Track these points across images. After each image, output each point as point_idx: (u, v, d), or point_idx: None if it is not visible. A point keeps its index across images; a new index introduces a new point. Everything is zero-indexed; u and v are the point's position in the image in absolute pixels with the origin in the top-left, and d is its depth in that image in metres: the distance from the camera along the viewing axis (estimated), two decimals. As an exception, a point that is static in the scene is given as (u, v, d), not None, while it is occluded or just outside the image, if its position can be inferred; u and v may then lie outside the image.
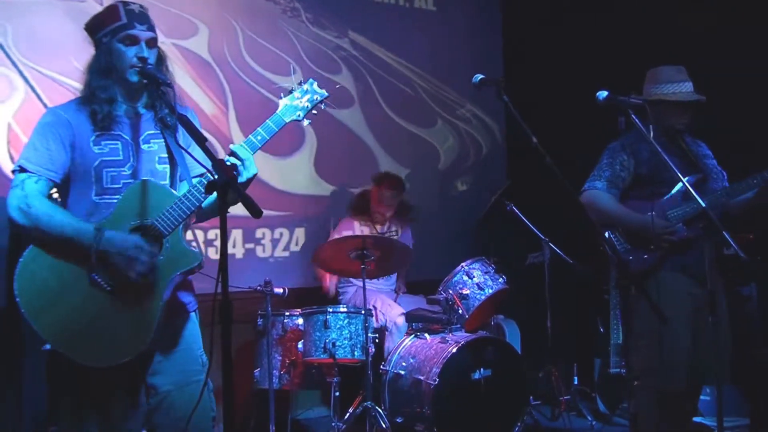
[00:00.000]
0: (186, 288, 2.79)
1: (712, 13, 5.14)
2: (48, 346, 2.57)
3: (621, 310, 3.83)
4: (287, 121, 2.77)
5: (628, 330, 3.83)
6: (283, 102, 2.78)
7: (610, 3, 5.78)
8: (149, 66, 2.66)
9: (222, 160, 2.26)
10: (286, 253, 5.53)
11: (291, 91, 2.80)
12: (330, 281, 5.24)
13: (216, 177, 2.23)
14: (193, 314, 2.82)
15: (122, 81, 2.68)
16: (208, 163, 2.32)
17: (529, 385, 4.69)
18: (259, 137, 2.68)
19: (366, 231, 5.20)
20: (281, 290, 4.52)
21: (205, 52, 5.25)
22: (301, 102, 2.79)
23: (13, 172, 2.68)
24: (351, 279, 5.24)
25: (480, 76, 3.09)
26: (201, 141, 2.34)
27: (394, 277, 5.41)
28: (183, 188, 2.77)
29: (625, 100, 3.43)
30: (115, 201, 2.63)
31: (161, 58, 2.80)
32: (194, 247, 2.77)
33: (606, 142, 3.97)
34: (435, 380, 4.25)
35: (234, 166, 2.48)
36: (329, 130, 5.73)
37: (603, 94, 3.40)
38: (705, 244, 3.44)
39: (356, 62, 5.97)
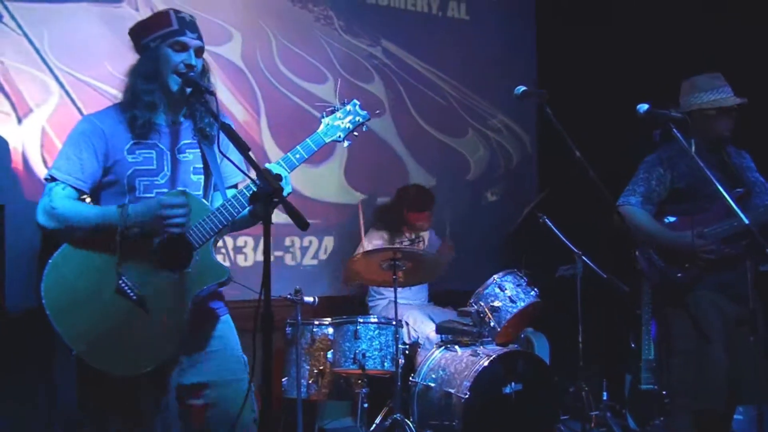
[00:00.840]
0: (215, 296, 2.79)
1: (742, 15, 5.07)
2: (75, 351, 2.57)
3: (657, 327, 3.73)
4: (327, 142, 2.79)
5: (664, 348, 3.76)
6: (325, 121, 2.80)
7: (646, 12, 5.72)
8: (192, 74, 2.66)
9: (267, 170, 2.24)
10: (315, 262, 5.51)
11: (334, 111, 2.80)
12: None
13: (260, 187, 2.20)
14: (225, 317, 2.82)
15: (164, 88, 2.68)
16: (249, 172, 2.31)
17: (559, 400, 4.62)
18: (297, 156, 2.70)
19: (396, 242, 5.18)
20: (311, 299, 4.48)
21: (238, 58, 5.24)
22: (342, 123, 2.82)
23: (45, 180, 2.70)
24: (382, 291, 5.21)
25: (522, 88, 3.07)
26: (245, 150, 2.32)
27: (425, 289, 5.38)
28: (216, 199, 2.78)
29: (666, 113, 3.39)
30: None
31: (206, 69, 2.81)
32: (223, 260, 2.76)
33: (642, 155, 3.93)
34: (466, 393, 4.20)
35: (279, 176, 2.47)
36: (360, 138, 5.67)
37: (644, 107, 3.36)
38: (748, 262, 3.38)
39: (388, 71, 5.94)
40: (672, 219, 3.74)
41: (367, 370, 4.32)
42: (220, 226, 2.58)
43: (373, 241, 5.13)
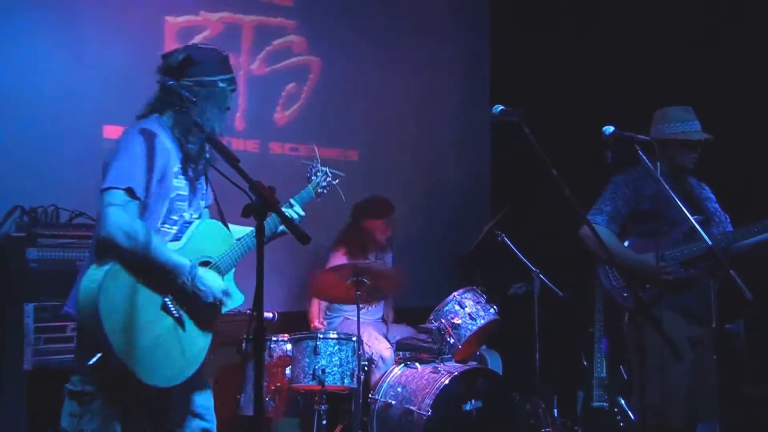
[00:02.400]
0: None
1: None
2: (28, 367, 3.03)
3: (632, 346, 3.79)
4: (313, 196, 3.40)
5: (630, 367, 3.83)
6: (312, 180, 3.44)
7: (607, 30, 5.86)
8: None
9: (260, 182, 2.20)
10: (273, 276, 5.42)
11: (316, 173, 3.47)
12: (317, 318, 5.15)
13: (253, 200, 2.16)
14: None
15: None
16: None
17: (517, 417, 4.66)
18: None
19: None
20: (270, 315, 4.42)
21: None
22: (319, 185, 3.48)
23: (111, 189, 2.64)
24: (336, 307, 5.17)
25: (500, 107, 3.06)
26: (234, 162, 2.28)
27: (380, 306, 5.35)
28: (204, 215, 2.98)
29: (632, 136, 3.45)
30: (173, 232, 2.79)
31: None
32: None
33: (599, 177, 4.01)
34: (428, 411, 4.19)
35: (273, 188, 2.46)
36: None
37: (609, 129, 3.42)
38: (711, 283, 3.47)
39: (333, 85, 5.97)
40: (626, 242, 3.84)
41: (327, 386, 4.26)
42: (242, 255, 2.87)
43: (336, 260, 5.07)
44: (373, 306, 5.15)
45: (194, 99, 2.72)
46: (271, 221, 2.92)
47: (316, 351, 4.29)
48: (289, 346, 4.46)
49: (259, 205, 2.12)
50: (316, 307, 5.16)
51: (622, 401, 4.92)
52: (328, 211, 5.60)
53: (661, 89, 4.97)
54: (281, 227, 2.99)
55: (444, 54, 6.61)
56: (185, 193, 2.81)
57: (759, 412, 4.37)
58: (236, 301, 2.88)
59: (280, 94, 5.71)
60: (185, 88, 2.75)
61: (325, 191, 3.48)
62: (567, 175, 2.91)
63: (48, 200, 4.22)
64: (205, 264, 2.76)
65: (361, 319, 4.97)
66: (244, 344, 4.44)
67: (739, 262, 3.67)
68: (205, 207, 3.00)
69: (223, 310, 2.84)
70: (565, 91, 5.93)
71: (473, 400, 4.38)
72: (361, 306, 4.46)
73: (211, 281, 2.74)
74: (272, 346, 4.47)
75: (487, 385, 4.48)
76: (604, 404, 5.04)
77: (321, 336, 4.36)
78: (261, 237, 2.08)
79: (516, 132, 2.99)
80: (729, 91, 5.03)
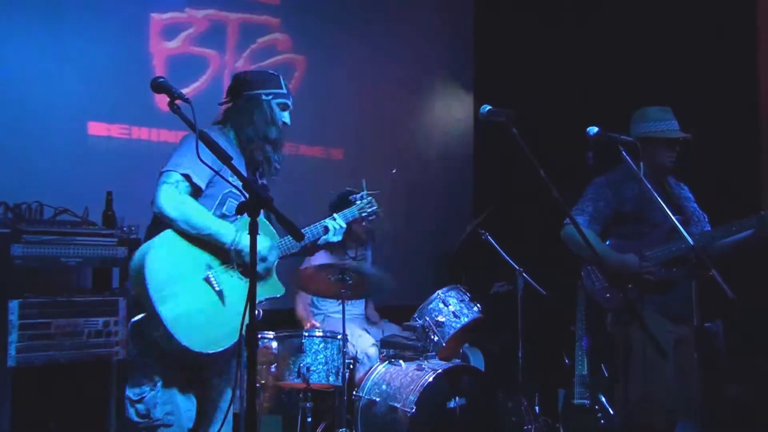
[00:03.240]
0: None
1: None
2: (12, 363, 3.11)
3: (618, 346, 3.83)
4: (357, 216, 3.64)
5: (614, 366, 3.87)
6: (357, 203, 3.68)
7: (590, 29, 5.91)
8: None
9: (253, 180, 2.20)
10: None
11: (362, 197, 3.71)
12: (312, 318, 5.15)
13: (247, 198, 2.17)
14: None
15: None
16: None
17: (501, 415, 4.69)
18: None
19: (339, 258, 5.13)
20: (256, 312, 4.41)
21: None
22: (364, 209, 3.70)
23: (167, 171, 2.95)
24: (319, 305, 5.17)
25: (488, 107, 3.09)
26: (227, 160, 2.28)
27: (362, 301, 5.36)
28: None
29: (617, 137, 3.49)
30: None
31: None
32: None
33: (583, 177, 4.06)
34: (411, 408, 4.21)
35: (266, 186, 2.49)
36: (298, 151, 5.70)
37: (593, 129, 3.45)
38: (692, 283, 3.52)
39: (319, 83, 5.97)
40: (607, 243, 3.89)
41: (312, 384, 4.28)
42: (294, 250, 3.17)
43: (317, 257, 5.07)
44: (355, 300, 5.16)
45: (245, 112, 3.17)
46: (310, 233, 3.26)
47: (301, 349, 4.31)
48: (274, 344, 4.46)
49: (252, 203, 2.13)
50: (303, 307, 5.16)
51: (603, 399, 4.97)
52: (310, 207, 5.65)
53: (645, 88, 5.04)
54: (324, 239, 3.32)
55: (429, 53, 6.65)
56: (238, 191, 2.85)
57: (738, 412, 4.43)
58: (278, 290, 3.17)
59: (265, 92, 5.69)
60: (238, 104, 3.22)
61: (370, 217, 3.73)
62: (552, 175, 2.95)
63: (32, 197, 4.20)
64: None
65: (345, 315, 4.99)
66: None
67: (718, 261, 3.75)
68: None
69: (264, 295, 3.06)
70: (549, 92, 5.97)
71: (457, 398, 4.41)
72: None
73: (273, 246, 3.05)
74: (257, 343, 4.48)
75: (471, 383, 4.51)
76: (586, 402, 5.10)
77: (306, 334, 4.38)
78: (254, 233, 2.09)
79: (504, 132, 3.03)
80: (706, 90, 5.11)
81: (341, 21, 6.10)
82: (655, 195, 3.36)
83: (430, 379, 4.32)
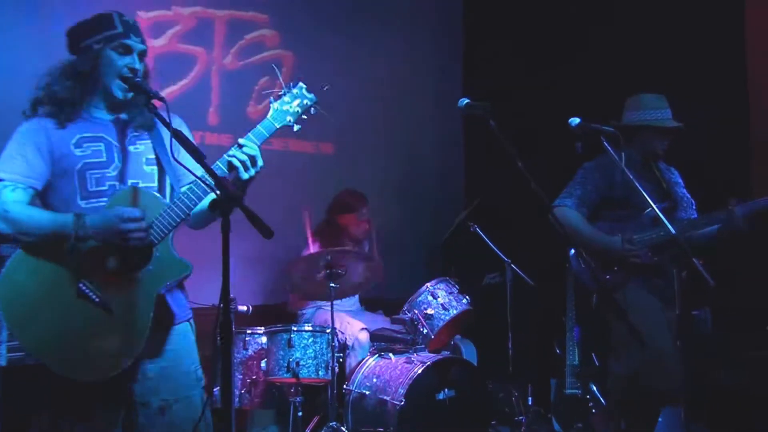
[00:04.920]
0: (177, 298, 2.73)
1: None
2: (3, 363, 2.51)
3: (582, 331, 3.87)
4: (278, 127, 2.69)
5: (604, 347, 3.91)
6: (274, 106, 2.71)
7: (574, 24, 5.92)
8: (138, 79, 2.63)
9: (224, 178, 2.22)
10: (248, 269, 5.44)
11: (281, 96, 2.72)
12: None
13: (219, 194, 2.19)
14: (183, 325, 2.76)
15: (105, 90, 2.65)
16: (198, 173, 2.30)
17: (491, 405, 4.72)
18: (251, 142, 2.62)
19: None
20: (245, 308, 4.45)
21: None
22: (291, 107, 2.71)
23: None
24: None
25: (466, 101, 3.11)
26: (200, 157, 2.30)
27: (356, 297, 5.38)
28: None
29: (598, 127, 3.52)
30: (103, 204, 2.57)
31: (147, 73, 2.78)
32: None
33: (570, 168, 4.07)
34: (401, 400, 4.24)
35: (238, 182, 2.45)
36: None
37: (575, 120, 3.49)
38: (674, 270, 3.54)
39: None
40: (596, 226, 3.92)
41: (302, 378, 4.30)
42: (178, 220, 2.52)
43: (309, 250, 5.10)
44: (351, 296, 5.19)
45: (77, 65, 2.67)
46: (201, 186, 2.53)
47: (290, 344, 4.34)
48: (264, 339, 4.50)
49: (224, 200, 2.15)
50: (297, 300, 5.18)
51: (595, 388, 5.00)
52: (302, 202, 5.69)
53: (636, 77, 5.04)
54: (234, 176, 2.59)
55: (417, 48, 6.65)
56: (100, 159, 2.62)
57: (724, 399, 4.45)
58: (180, 271, 2.59)
59: (253, 89, 5.71)
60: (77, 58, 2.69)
61: (302, 118, 2.78)
62: (541, 164, 2.97)
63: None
64: None
65: (336, 309, 5.02)
66: (218, 339, 4.47)
67: (705, 249, 3.78)
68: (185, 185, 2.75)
69: (170, 279, 2.57)
70: (538, 83, 5.99)
71: (446, 390, 4.43)
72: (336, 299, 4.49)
73: (102, 219, 2.47)
74: (247, 339, 4.51)
75: (460, 375, 4.53)
76: (577, 391, 5.12)
77: (295, 329, 4.40)
78: (227, 232, 2.10)
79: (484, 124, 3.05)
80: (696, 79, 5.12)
81: (329, 16, 6.10)
82: (638, 185, 3.39)
83: (419, 372, 4.34)
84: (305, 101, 2.75)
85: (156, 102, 2.60)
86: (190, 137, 2.57)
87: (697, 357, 4.09)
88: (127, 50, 2.64)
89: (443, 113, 6.69)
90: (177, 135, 2.40)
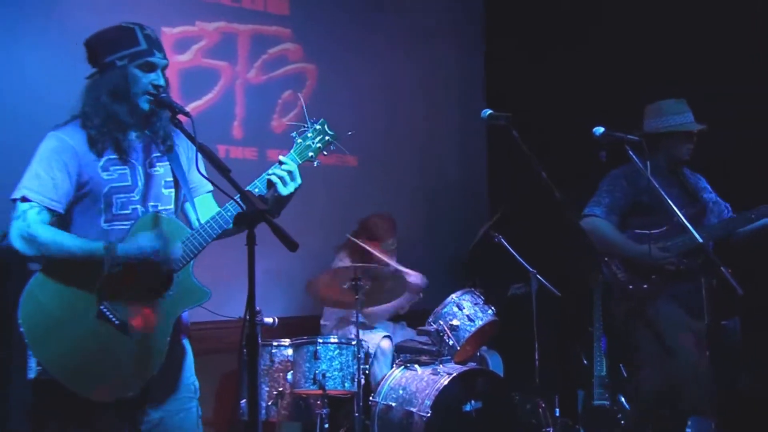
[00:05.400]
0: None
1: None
2: (33, 375, 2.58)
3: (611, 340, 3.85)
4: (300, 163, 2.76)
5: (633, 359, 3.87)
6: (298, 141, 2.78)
7: (595, 34, 5.89)
8: (164, 95, 2.65)
9: (250, 192, 2.24)
10: (274, 282, 5.45)
11: (304, 131, 2.79)
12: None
13: (245, 209, 2.20)
14: (185, 341, 2.80)
15: (134, 107, 2.65)
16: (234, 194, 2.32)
17: (518, 417, 4.69)
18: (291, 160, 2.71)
19: None
20: (271, 320, 4.46)
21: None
22: (313, 143, 2.78)
23: (14, 200, 2.60)
24: (334, 310, 5.20)
25: (489, 111, 3.14)
26: (225, 172, 2.32)
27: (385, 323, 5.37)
28: (187, 210, 2.81)
29: (622, 136, 3.51)
30: (126, 227, 2.60)
31: (166, 87, 2.77)
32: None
33: (592, 177, 4.06)
34: (427, 412, 4.23)
35: (263, 197, 2.48)
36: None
37: (599, 130, 3.48)
38: (702, 278, 3.51)
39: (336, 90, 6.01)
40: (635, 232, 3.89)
41: (328, 390, 4.31)
42: (199, 248, 2.56)
43: (338, 264, 5.11)
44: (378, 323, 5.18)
45: (109, 84, 2.66)
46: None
47: (316, 356, 4.35)
48: (290, 351, 4.51)
49: (249, 214, 2.16)
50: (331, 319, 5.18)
51: (623, 399, 4.95)
52: (326, 215, 5.71)
53: (655, 85, 5.01)
54: (273, 194, 2.68)
55: (440, 58, 6.66)
56: (125, 183, 2.65)
57: (754, 409, 4.39)
58: (199, 298, 2.63)
59: (276, 102, 5.76)
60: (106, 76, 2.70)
61: (324, 153, 2.84)
62: (565, 172, 2.97)
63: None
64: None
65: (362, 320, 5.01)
66: (244, 351, 4.49)
67: (740, 252, 3.74)
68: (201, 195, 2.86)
69: (185, 306, 2.61)
70: (562, 90, 5.97)
71: (473, 401, 4.42)
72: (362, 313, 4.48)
73: (137, 251, 2.51)
74: (273, 351, 4.52)
75: (486, 386, 4.52)
76: (605, 402, 5.06)
77: (321, 341, 4.41)
78: (252, 245, 2.12)
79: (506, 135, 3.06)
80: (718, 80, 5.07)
81: (352, 29, 6.14)
82: (662, 192, 3.37)
83: (446, 383, 4.33)
84: (326, 137, 2.82)
85: (181, 117, 2.62)
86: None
87: (726, 367, 4.05)
88: (152, 67, 2.65)
89: (466, 123, 6.69)
90: (203, 149, 2.42)
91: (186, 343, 2.82)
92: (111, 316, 2.52)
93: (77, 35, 2.84)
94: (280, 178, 2.60)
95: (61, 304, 2.53)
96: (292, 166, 2.64)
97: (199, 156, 2.46)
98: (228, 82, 5.54)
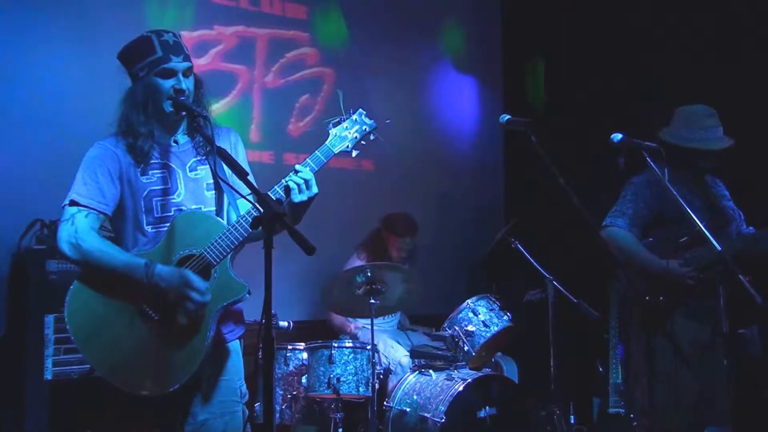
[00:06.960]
0: (229, 317, 2.79)
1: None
2: (49, 376, 2.56)
3: (626, 349, 3.81)
4: (336, 153, 2.77)
5: (639, 369, 3.83)
6: (333, 132, 2.78)
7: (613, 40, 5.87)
8: (182, 98, 2.67)
9: (267, 195, 2.24)
10: (289, 285, 5.46)
11: (340, 122, 2.78)
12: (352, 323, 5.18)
13: (262, 212, 2.21)
14: (233, 343, 2.83)
15: (160, 113, 2.70)
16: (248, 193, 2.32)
17: (532, 424, 4.67)
18: (308, 168, 2.70)
19: None
20: (286, 323, 4.48)
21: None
22: (350, 133, 2.79)
23: (63, 206, 2.69)
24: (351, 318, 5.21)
25: (507, 117, 3.12)
26: (243, 175, 2.33)
27: (396, 315, 5.37)
28: (232, 214, 2.82)
29: (641, 143, 3.47)
30: (166, 228, 2.66)
31: (198, 85, 2.82)
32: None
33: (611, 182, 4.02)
34: (441, 418, 4.22)
35: (281, 201, 2.49)
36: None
37: (617, 136, 3.44)
38: (720, 288, 3.47)
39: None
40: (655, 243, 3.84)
41: (342, 394, 4.31)
42: (236, 243, 2.59)
43: (352, 263, 5.11)
44: (390, 315, 5.19)
45: (134, 96, 2.76)
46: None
47: (331, 360, 4.34)
48: (305, 355, 4.51)
49: (267, 217, 2.17)
50: (339, 320, 5.18)
51: (639, 407, 4.91)
52: (343, 219, 5.71)
53: (681, 89, 4.98)
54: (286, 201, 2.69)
55: (458, 62, 6.66)
56: (165, 186, 2.71)
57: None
58: (236, 292, 2.64)
59: (294, 106, 5.77)
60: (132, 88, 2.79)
61: (361, 144, 2.84)
62: (584, 176, 2.93)
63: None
64: (187, 259, 2.60)
65: (376, 328, 5.01)
66: (260, 353, 4.50)
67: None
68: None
69: (223, 301, 2.62)
70: (580, 98, 5.95)
71: (487, 407, 4.40)
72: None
73: (169, 275, 2.55)
74: (288, 354, 4.53)
75: (501, 392, 4.50)
76: (621, 410, 5.02)
77: (336, 345, 4.41)
78: (269, 248, 2.12)
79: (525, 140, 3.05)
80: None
81: (369, 33, 6.14)
82: (681, 201, 3.33)
83: (460, 389, 4.32)
84: (364, 127, 2.85)
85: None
86: (243, 153, 2.80)
87: (745, 378, 4.01)
88: (170, 73, 2.69)
89: (483, 127, 6.69)
90: (221, 152, 2.44)
91: (233, 346, 2.85)
92: (151, 312, 2.58)
93: (111, 46, 2.88)
94: (297, 185, 2.61)
95: (104, 302, 2.61)
96: (308, 175, 2.63)
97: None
98: (245, 85, 5.57)
